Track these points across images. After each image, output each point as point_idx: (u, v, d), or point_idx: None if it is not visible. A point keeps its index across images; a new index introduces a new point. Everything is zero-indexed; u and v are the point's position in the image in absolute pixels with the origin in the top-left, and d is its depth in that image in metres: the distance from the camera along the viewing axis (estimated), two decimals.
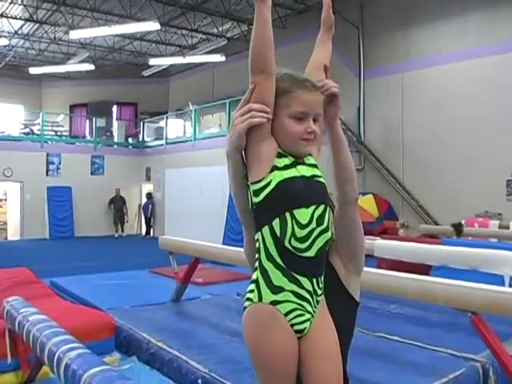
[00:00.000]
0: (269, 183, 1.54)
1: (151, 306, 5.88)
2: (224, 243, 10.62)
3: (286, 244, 1.52)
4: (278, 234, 1.52)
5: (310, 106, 1.57)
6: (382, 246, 6.38)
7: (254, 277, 1.59)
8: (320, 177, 1.61)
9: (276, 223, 1.52)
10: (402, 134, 13.75)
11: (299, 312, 1.55)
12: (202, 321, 5.44)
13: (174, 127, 19.41)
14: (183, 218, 15.80)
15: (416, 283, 3.62)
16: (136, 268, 9.63)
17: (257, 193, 1.56)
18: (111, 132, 21.25)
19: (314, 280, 1.56)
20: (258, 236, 1.57)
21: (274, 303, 1.53)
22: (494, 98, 11.73)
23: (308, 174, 1.58)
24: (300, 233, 1.52)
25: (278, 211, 1.52)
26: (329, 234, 1.59)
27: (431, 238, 9.46)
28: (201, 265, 6.59)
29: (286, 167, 1.55)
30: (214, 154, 14.72)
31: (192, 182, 15.44)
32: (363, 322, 4.70)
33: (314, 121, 1.59)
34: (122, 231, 18.94)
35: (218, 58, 17.33)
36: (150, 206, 18.99)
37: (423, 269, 5.86)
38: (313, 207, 1.54)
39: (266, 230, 1.54)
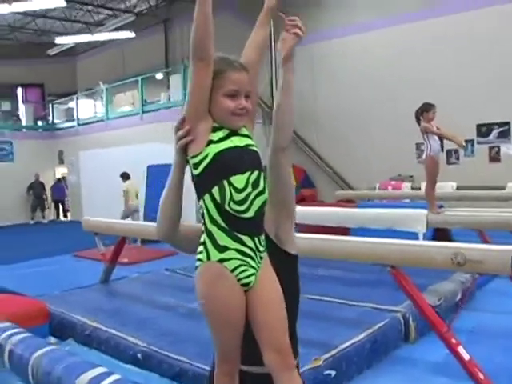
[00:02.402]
0: (206, 156, 1.70)
1: (81, 289, 5.84)
2: (145, 220, 10.54)
3: (226, 207, 1.69)
4: (219, 200, 1.69)
5: (240, 85, 1.74)
6: (300, 212, 6.61)
7: (201, 240, 1.75)
8: (253, 145, 1.79)
9: (215, 190, 1.69)
10: (315, 105, 14.11)
11: (244, 268, 1.72)
12: (134, 298, 5.48)
13: (85, 108, 18.82)
14: (101, 200, 15.41)
15: (338, 244, 3.87)
16: (58, 253, 9.43)
17: (196, 166, 1.73)
18: (18, 116, 20.31)
19: (256, 238, 1.74)
20: (201, 204, 1.75)
21: (221, 261, 1.71)
22: (402, 65, 12.27)
23: (242, 144, 1.75)
24: (238, 196, 1.69)
25: (216, 180, 1.69)
26: (265, 196, 1.76)
27: (347, 202, 9.90)
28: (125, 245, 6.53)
29: (220, 140, 1.72)
30: (130, 133, 14.48)
31: (108, 162, 15.05)
32: None
33: (246, 97, 1.76)
34: (44, 218, 18.42)
35: (128, 34, 16.94)
36: (57, 190, 18.76)
37: (342, 233, 6.15)
38: (247, 173, 1.71)
39: (207, 197, 1.71)
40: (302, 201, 12.60)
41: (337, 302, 4.67)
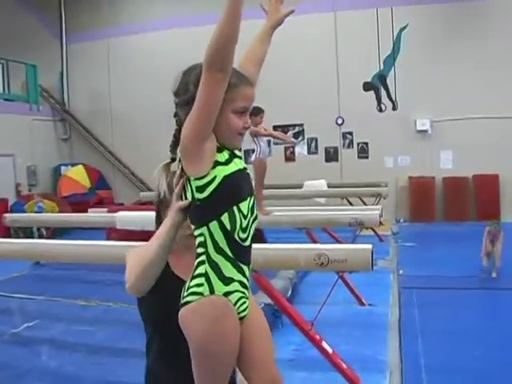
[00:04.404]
0: (213, 179, 1.53)
1: None
2: None
3: (235, 236, 1.56)
4: (229, 228, 1.54)
5: (250, 101, 1.60)
6: (124, 217, 6.36)
7: (200, 271, 1.56)
8: (246, 168, 1.66)
9: (225, 218, 1.54)
10: (110, 102, 13.63)
11: (243, 300, 1.61)
12: None
13: None
14: None
15: None
16: None
17: (201, 189, 1.54)
18: None
19: (250, 266, 1.65)
20: (202, 231, 1.56)
21: (226, 294, 1.56)
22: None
23: (241, 167, 1.62)
24: (244, 223, 1.58)
25: (226, 206, 1.54)
26: (257, 221, 1.66)
27: (145, 204, 9.80)
28: None
29: (226, 162, 1.57)
30: None
31: None
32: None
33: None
34: None
35: None
36: None
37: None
38: (248, 198, 1.60)
39: (214, 225, 1.54)
40: (99, 203, 12.09)
41: None
